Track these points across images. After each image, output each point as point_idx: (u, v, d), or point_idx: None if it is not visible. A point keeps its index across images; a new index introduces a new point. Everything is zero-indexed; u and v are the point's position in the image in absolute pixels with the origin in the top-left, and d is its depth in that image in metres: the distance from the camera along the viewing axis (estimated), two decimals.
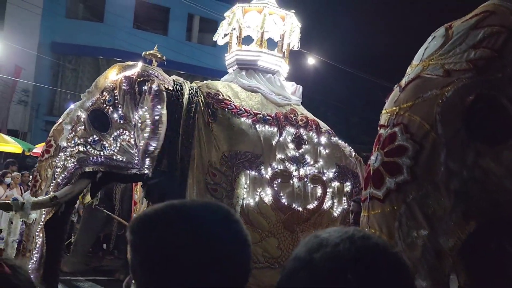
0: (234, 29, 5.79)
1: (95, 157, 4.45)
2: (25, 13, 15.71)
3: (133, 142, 4.42)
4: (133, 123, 4.43)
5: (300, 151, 5.06)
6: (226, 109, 4.87)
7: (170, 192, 4.31)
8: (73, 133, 4.56)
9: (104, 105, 4.50)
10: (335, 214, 5.13)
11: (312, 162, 5.10)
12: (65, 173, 4.51)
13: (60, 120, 6.17)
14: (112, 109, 4.46)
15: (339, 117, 22.38)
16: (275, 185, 4.82)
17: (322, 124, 5.51)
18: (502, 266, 2.36)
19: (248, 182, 4.71)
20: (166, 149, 4.53)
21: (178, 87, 4.75)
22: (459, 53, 2.38)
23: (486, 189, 2.21)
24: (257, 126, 4.92)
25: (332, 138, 5.41)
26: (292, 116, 5.24)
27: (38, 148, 11.08)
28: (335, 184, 5.18)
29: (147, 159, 4.34)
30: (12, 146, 12.74)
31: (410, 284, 0.81)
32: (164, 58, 5.34)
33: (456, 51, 2.40)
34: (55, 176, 4.65)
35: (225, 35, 5.94)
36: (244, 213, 4.62)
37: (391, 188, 2.31)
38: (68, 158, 4.52)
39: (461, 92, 2.28)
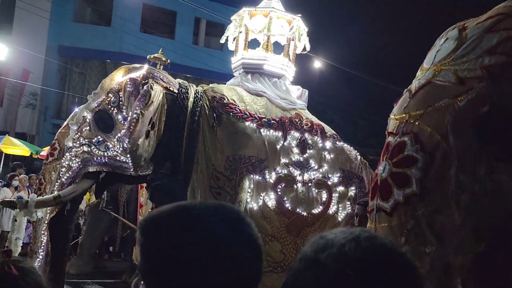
0: (240, 32, 5.80)
1: (99, 158, 4.51)
2: (33, 17, 15.86)
3: None
4: None
5: (304, 155, 5.04)
6: (231, 113, 4.87)
7: (173, 195, 4.33)
8: (79, 133, 4.63)
9: (109, 106, 4.54)
10: (339, 219, 5.11)
11: (316, 167, 5.08)
12: (69, 172, 4.58)
13: (65, 123, 6.24)
14: (116, 111, 4.50)
15: (346, 120, 22.34)
16: (278, 190, 4.81)
17: (327, 128, 5.49)
18: None
19: (252, 186, 4.70)
20: (170, 152, 4.55)
21: (183, 90, 4.77)
22: (473, 58, 2.24)
23: (498, 203, 2.10)
24: (261, 130, 4.91)
25: (337, 142, 5.38)
26: (297, 120, 5.23)
27: (46, 151, 11.15)
28: (340, 188, 5.15)
29: (128, 156, 4.35)
30: (20, 149, 12.84)
31: (418, 285, 0.80)
32: (168, 61, 5.36)
33: (470, 57, 2.26)
34: (60, 175, 4.70)
35: (233, 39, 5.95)
36: None
37: (399, 201, 2.21)
38: (73, 158, 4.59)
39: (475, 102, 2.14)
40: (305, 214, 4.87)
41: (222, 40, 5.99)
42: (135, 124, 4.28)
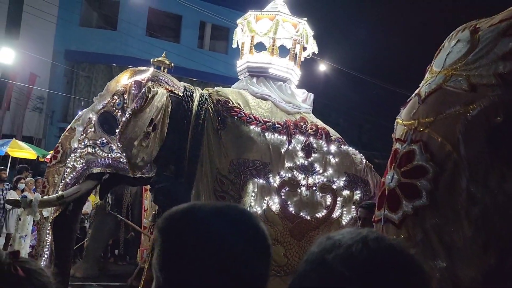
0: (246, 36, 5.82)
1: (102, 159, 4.55)
2: (40, 22, 15.97)
3: None
4: None
5: (309, 159, 5.03)
6: (236, 117, 4.87)
7: (176, 198, 4.34)
8: (84, 134, 4.67)
9: (114, 108, 4.58)
10: (344, 223, 5.09)
11: (321, 171, 5.06)
12: (74, 173, 4.62)
13: (69, 126, 6.30)
14: (121, 113, 4.53)
15: (351, 123, 22.29)
16: (282, 194, 4.80)
17: (332, 132, 5.47)
18: None
19: (255, 190, 4.70)
20: (174, 155, 4.57)
21: (188, 93, 4.79)
22: (486, 64, 2.13)
23: (509, 217, 2.01)
24: (266, 134, 4.91)
25: (342, 146, 5.36)
26: (302, 124, 5.22)
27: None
28: (346, 192, 5.13)
29: (123, 154, 4.38)
30: (27, 152, 12.94)
31: (427, 287, 0.79)
32: (172, 64, 5.38)
33: (483, 62, 2.15)
34: (65, 175, 4.75)
35: (237, 42, 5.97)
36: None
37: (408, 213, 2.13)
38: (77, 159, 4.63)
39: (488, 111, 2.04)
40: (308, 218, 4.86)
41: (234, 45, 5.99)
42: (127, 124, 4.31)
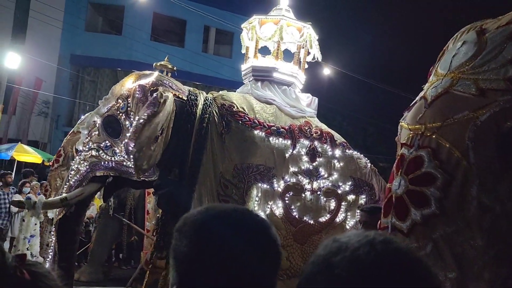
0: (250, 40, 5.83)
1: (106, 162, 4.58)
2: (46, 27, 16.09)
3: None
4: None
5: (314, 163, 5.02)
6: (240, 122, 4.87)
7: (179, 202, 4.37)
8: (89, 137, 4.70)
9: (118, 112, 4.60)
10: (348, 227, 5.07)
11: (326, 175, 5.04)
12: (77, 176, 4.67)
13: (72, 130, 6.37)
14: (124, 116, 4.56)
15: (355, 127, 22.24)
16: (286, 198, 4.78)
17: (337, 136, 5.46)
18: None
19: (259, 195, 4.69)
20: (178, 159, 4.58)
21: (192, 97, 4.80)
22: (495, 68, 2.07)
23: None
24: (270, 138, 4.90)
25: (347, 150, 5.34)
26: (306, 128, 5.21)
27: None
28: (351, 197, 5.11)
29: (131, 157, 4.35)
30: (32, 156, 13.01)
31: None
32: (174, 68, 5.40)
33: (491, 65, 2.09)
34: (69, 178, 4.79)
35: (247, 47, 5.97)
36: None
37: (416, 222, 2.06)
38: (81, 162, 4.68)
39: (498, 117, 1.98)
40: (312, 222, 4.84)
41: (243, 50, 5.99)
42: (142, 129, 4.27)
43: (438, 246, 2.00)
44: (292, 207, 4.80)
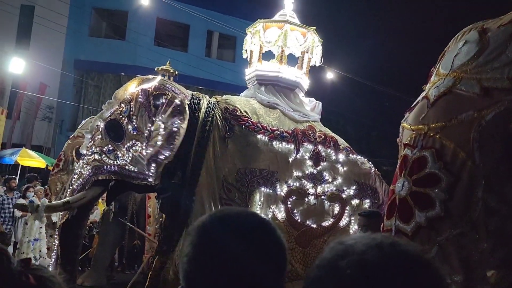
0: (254, 44, 5.84)
1: (108, 166, 4.59)
2: (50, 32, 16.18)
3: (144, 153, 4.51)
4: (146, 134, 4.52)
5: (318, 168, 5.01)
6: (243, 126, 4.88)
7: (180, 205, 4.38)
8: (92, 141, 4.72)
9: (120, 116, 4.63)
10: (352, 231, 5.06)
11: (330, 180, 5.03)
12: (80, 179, 4.69)
13: (73, 135, 6.39)
14: (127, 120, 4.58)
15: (359, 131, 22.20)
16: (289, 202, 4.78)
17: (340, 140, 5.45)
18: None
19: (262, 199, 4.69)
20: (180, 162, 4.59)
21: (195, 101, 4.82)
22: (499, 67, 2.04)
23: None
24: (273, 143, 4.90)
25: (351, 155, 5.34)
26: (310, 132, 5.21)
27: None
28: (355, 201, 5.10)
29: (153, 165, 4.39)
30: (36, 161, 13.05)
31: None
32: (176, 72, 5.42)
33: (495, 65, 2.05)
34: (72, 182, 4.82)
35: (246, 51, 5.99)
36: None
37: (421, 224, 2.02)
38: (84, 166, 4.70)
39: (503, 116, 1.95)
40: (314, 226, 4.84)
41: (244, 55, 6.01)
42: (177, 138, 4.42)
43: (444, 250, 1.96)
44: (295, 211, 4.80)
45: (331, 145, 5.21)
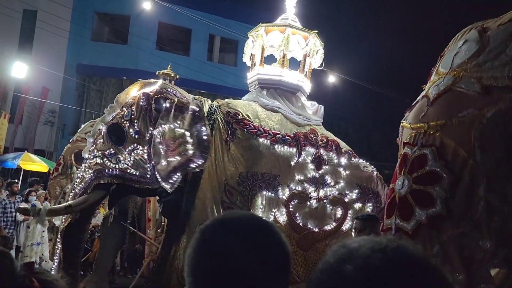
0: (257, 48, 5.85)
1: (110, 170, 4.60)
2: (53, 37, 16.25)
3: (146, 157, 4.52)
4: (147, 138, 4.52)
5: (320, 171, 5.01)
6: (245, 129, 4.88)
7: (180, 209, 4.38)
8: (94, 145, 4.73)
9: (122, 119, 4.64)
10: (353, 235, 5.05)
11: (332, 183, 5.03)
12: (82, 183, 4.70)
13: (72, 139, 6.40)
14: (129, 124, 4.59)
15: (360, 134, 22.19)
16: (291, 206, 4.78)
17: (342, 144, 5.45)
18: None
19: (264, 202, 4.69)
20: None
21: None
22: (499, 66, 2.03)
23: None
24: (275, 146, 4.90)
25: (353, 159, 5.34)
26: (312, 136, 5.21)
27: None
28: (357, 205, 5.10)
29: (178, 174, 4.36)
30: (39, 165, 13.08)
31: None
32: (177, 76, 5.44)
33: (495, 63, 2.04)
34: (75, 185, 4.83)
35: (250, 55, 6.00)
36: None
37: (421, 222, 2.01)
38: (86, 169, 4.72)
39: (504, 114, 1.94)
40: (316, 230, 4.83)
41: (245, 59, 6.02)
42: (209, 147, 4.50)
43: (446, 249, 1.95)
44: (297, 214, 4.79)
45: (333, 149, 5.21)
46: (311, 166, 4.98)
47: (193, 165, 4.35)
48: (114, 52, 18.46)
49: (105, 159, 4.64)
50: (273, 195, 4.73)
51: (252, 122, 4.98)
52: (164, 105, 4.56)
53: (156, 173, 4.46)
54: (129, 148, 4.58)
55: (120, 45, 19.23)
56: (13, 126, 16.08)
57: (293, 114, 5.41)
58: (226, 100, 5.37)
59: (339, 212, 4.98)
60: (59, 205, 4.91)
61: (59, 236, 5.08)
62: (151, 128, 4.54)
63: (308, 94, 6.01)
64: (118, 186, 4.81)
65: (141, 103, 4.59)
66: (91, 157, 4.73)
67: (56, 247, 4.97)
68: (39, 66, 14.89)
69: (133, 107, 4.63)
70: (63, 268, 4.68)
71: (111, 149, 4.64)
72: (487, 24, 2.23)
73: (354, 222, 4.58)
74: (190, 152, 4.34)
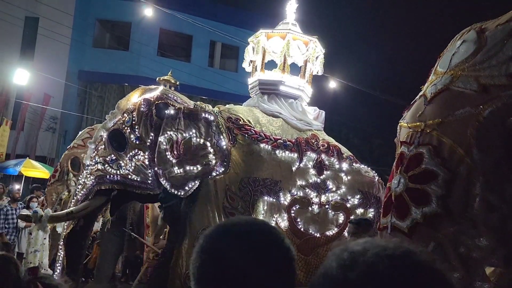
0: (257, 54, 5.87)
1: (111, 176, 4.61)
2: (54, 43, 16.32)
3: (147, 163, 4.53)
4: (148, 144, 4.53)
5: (321, 177, 5.00)
6: (246, 135, 4.89)
7: (180, 214, 4.38)
8: (95, 151, 4.74)
9: (123, 125, 4.65)
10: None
11: (334, 189, 5.02)
12: (84, 189, 4.70)
13: (71, 145, 6.40)
14: (130, 130, 4.60)
15: (361, 139, 22.18)
16: (292, 211, 4.77)
17: (343, 149, 5.45)
18: None
19: (265, 208, 4.69)
20: None
21: None
22: (496, 64, 2.03)
23: None
24: (277, 152, 4.91)
25: (354, 164, 5.33)
26: (313, 141, 5.20)
27: None
28: (359, 210, 5.08)
29: (195, 182, 4.40)
30: (40, 171, 13.09)
31: None
32: (177, 82, 5.46)
33: (492, 62, 2.04)
34: (76, 192, 4.84)
35: (250, 61, 6.01)
36: None
37: (417, 220, 2.00)
38: (88, 176, 4.73)
39: (501, 112, 1.92)
40: (318, 235, 4.82)
41: (244, 65, 6.03)
42: (229, 156, 4.64)
43: (443, 246, 1.94)
44: (298, 219, 4.78)
45: (334, 154, 5.20)
46: (312, 171, 4.98)
47: (214, 174, 4.47)
48: (115, 59, 18.52)
49: (106, 165, 4.65)
50: (274, 200, 4.73)
51: (253, 128, 4.98)
52: (165, 111, 4.56)
53: (162, 179, 4.45)
54: (130, 154, 4.59)
55: (122, 51, 19.30)
56: (15, 132, 16.10)
57: (294, 120, 5.42)
58: (227, 105, 5.38)
59: (341, 218, 4.97)
60: (60, 212, 4.92)
61: (60, 242, 5.08)
62: (152, 134, 4.55)
63: (309, 99, 6.01)
64: (120, 192, 4.82)
65: (142, 109, 4.61)
66: (93, 163, 4.75)
67: (59, 253, 4.96)
68: (40, 72, 14.94)
69: (134, 113, 4.64)
70: (66, 274, 4.68)
71: (112, 155, 4.65)
72: (486, 25, 2.24)
73: (348, 226, 4.59)
74: (213, 161, 4.45)
